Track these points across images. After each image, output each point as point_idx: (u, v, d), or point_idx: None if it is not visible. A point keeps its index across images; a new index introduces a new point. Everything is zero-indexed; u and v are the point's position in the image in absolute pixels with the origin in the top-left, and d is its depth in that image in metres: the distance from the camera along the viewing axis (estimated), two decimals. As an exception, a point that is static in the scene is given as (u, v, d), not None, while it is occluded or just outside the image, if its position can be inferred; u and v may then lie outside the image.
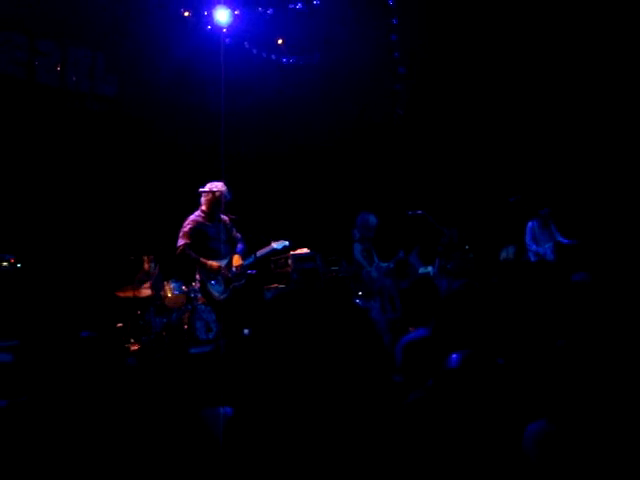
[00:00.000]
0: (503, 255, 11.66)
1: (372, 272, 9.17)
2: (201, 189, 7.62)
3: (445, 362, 2.55)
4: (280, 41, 12.82)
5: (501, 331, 3.91)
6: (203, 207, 7.63)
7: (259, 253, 7.93)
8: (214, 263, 7.53)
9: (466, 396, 2.43)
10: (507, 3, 11.63)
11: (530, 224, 11.56)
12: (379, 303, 9.45)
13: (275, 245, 8.19)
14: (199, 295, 9.61)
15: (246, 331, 8.96)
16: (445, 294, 4.56)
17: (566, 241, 11.21)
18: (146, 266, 10.87)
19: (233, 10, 12.02)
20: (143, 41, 11.49)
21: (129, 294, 10.11)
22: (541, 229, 11.45)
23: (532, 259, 11.33)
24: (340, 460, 2.47)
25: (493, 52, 12.09)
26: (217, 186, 7.61)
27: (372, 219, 9.41)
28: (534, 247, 11.35)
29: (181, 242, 7.47)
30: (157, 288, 10.57)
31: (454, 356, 2.56)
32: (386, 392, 3.62)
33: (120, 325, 9.97)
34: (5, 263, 9.02)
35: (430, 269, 11.60)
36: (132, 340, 9.65)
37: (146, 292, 10.50)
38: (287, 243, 8.45)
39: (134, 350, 9.13)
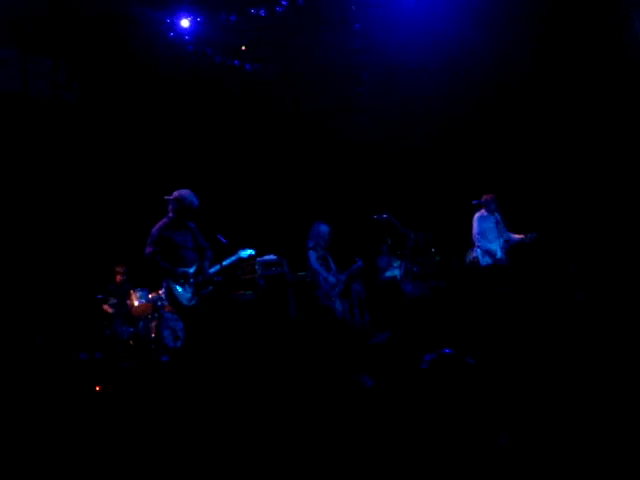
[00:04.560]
0: (469, 258, 11.57)
1: (329, 278, 9.23)
2: (167, 197, 7.59)
3: (417, 363, 2.60)
4: (243, 48, 12.80)
5: (468, 332, 3.97)
6: (170, 214, 7.60)
7: (225, 262, 7.92)
8: (182, 270, 7.51)
9: (438, 395, 2.48)
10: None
11: (477, 215, 10.49)
12: (341, 307, 9.51)
13: (241, 253, 8.18)
14: (166, 303, 9.58)
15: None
16: (409, 298, 4.61)
17: (516, 238, 10.32)
18: (118, 278, 10.86)
19: (196, 17, 12.00)
20: (105, 48, 11.43)
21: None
22: (489, 222, 10.36)
23: (482, 261, 10.36)
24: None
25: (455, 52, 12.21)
26: (183, 193, 7.58)
27: (324, 228, 9.45)
28: (484, 244, 10.32)
29: (149, 249, 7.43)
30: (123, 297, 10.55)
31: (426, 357, 2.61)
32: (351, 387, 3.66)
33: (86, 335, 9.92)
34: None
35: (396, 272, 11.66)
36: (99, 349, 9.62)
37: (112, 302, 10.49)
38: (253, 252, 8.45)
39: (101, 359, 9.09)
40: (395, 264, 12.02)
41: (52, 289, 10.28)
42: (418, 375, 2.64)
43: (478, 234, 10.45)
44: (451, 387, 2.52)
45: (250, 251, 8.46)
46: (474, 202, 10.58)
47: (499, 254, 10.27)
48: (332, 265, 9.40)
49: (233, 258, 8.17)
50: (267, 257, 10.56)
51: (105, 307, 10.51)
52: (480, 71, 12.16)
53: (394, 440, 2.69)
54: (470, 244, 11.04)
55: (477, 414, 2.51)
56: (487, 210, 10.45)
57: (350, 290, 10.94)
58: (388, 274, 11.90)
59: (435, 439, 2.49)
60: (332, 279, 9.22)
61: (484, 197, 10.44)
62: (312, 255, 9.27)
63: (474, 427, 2.47)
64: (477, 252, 10.49)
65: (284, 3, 11.91)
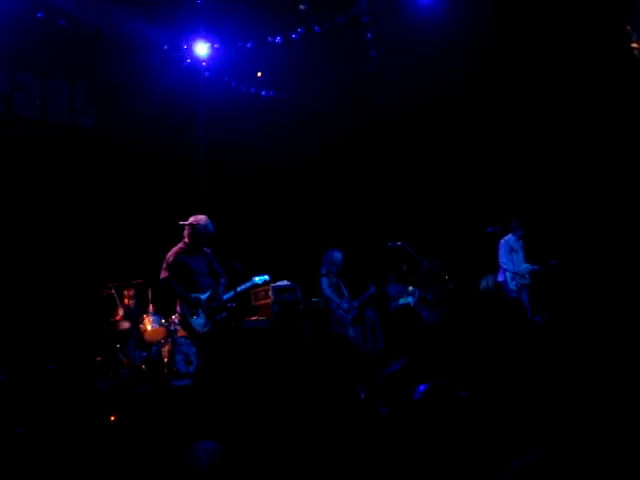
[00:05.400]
0: (483, 285, 11.52)
1: (342, 304, 9.17)
2: (182, 222, 7.59)
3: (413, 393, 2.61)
4: (259, 74, 12.90)
5: (471, 363, 3.94)
6: (185, 240, 7.60)
7: (239, 288, 7.91)
8: (195, 296, 7.51)
9: (426, 426, 2.47)
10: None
11: (503, 241, 10.64)
12: (354, 333, 9.47)
13: (256, 279, 8.19)
14: (179, 328, 9.57)
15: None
16: (425, 325, 4.58)
17: (532, 268, 10.56)
18: (127, 301, 10.85)
19: (212, 44, 12.11)
20: (123, 74, 11.52)
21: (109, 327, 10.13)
22: (516, 247, 10.60)
23: (510, 284, 10.50)
24: None
25: (471, 83, 12.24)
26: (199, 219, 7.59)
27: (337, 254, 9.39)
28: (512, 268, 10.50)
29: (164, 275, 7.44)
30: (136, 321, 10.54)
31: (420, 388, 2.62)
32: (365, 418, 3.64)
33: (99, 359, 9.91)
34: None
35: (410, 300, 11.63)
36: (111, 374, 9.60)
37: (125, 326, 10.47)
38: (267, 277, 8.46)
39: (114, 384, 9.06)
40: (409, 291, 11.99)
41: (63, 313, 10.32)
42: (411, 406, 2.63)
43: (505, 258, 10.59)
44: (441, 420, 2.51)
45: (264, 277, 8.48)
46: (488, 230, 10.67)
47: (527, 277, 10.51)
48: (345, 292, 9.34)
49: (247, 284, 8.19)
50: (281, 283, 10.54)
51: (120, 325, 10.43)
52: (486, 96, 12.17)
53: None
54: (486, 270, 11.05)
55: (470, 449, 2.48)
56: (514, 235, 10.64)
57: (363, 317, 10.90)
58: (402, 301, 11.86)
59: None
60: (345, 306, 9.17)
61: (512, 222, 10.63)
62: (324, 282, 9.24)
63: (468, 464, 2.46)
64: (506, 276, 10.56)
65: (300, 30, 12.02)
